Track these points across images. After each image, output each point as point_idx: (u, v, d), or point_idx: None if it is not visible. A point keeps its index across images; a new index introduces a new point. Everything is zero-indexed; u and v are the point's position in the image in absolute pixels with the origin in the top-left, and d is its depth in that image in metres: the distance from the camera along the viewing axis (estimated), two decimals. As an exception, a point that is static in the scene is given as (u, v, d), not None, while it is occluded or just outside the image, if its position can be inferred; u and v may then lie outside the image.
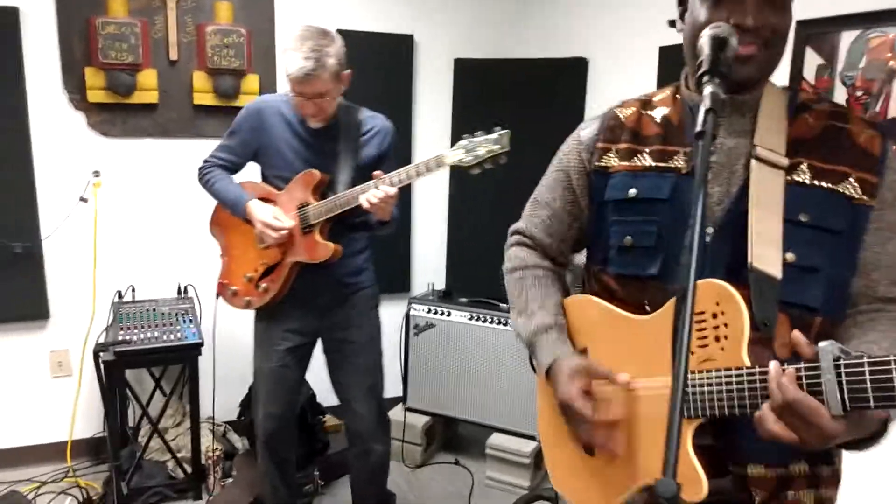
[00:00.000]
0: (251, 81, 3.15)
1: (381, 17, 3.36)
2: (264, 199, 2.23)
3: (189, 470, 2.89)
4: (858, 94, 2.11)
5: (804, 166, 1.03)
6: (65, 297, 3.06)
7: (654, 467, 1.02)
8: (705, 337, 0.98)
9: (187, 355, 2.73)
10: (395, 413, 3.15)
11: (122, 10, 2.89)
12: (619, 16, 3.16)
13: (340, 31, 2.16)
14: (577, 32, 3.43)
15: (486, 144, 1.94)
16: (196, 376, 2.76)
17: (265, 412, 2.38)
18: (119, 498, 2.63)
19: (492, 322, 3.06)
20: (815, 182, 1.01)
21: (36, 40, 2.84)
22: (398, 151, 2.33)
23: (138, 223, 3.13)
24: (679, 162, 1.11)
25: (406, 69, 3.48)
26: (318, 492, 2.95)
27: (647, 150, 1.15)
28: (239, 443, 3.21)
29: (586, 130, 1.25)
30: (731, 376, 0.94)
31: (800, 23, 2.21)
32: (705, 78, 0.90)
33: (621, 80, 3.15)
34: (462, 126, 3.53)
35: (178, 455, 2.91)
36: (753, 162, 1.03)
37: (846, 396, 0.83)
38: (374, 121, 2.26)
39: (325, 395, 2.97)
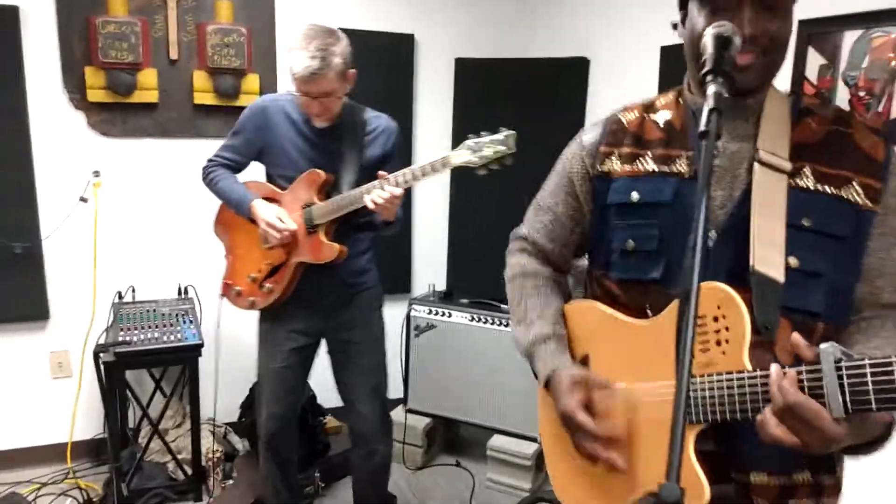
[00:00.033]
0: (252, 81, 3.14)
1: (381, 17, 3.35)
2: (269, 199, 2.22)
3: (189, 471, 2.88)
4: (861, 94, 2.09)
5: (807, 171, 1.02)
6: (65, 298, 3.05)
7: (656, 475, 1.01)
8: (707, 341, 0.97)
9: (187, 356, 2.72)
10: (396, 414, 3.14)
11: (122, 9, 2.89)
12: (620, 15, 3.16)
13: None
14: (579, 32, 3.42)
15: (493, 145, 1.93)
16: (196, 377, 2.75)
17: (268, 413, 2.37)
18: (119, 499, 2.62)
19: (493, 323, 3.05)
20: (819, 187, 1.01)
21: (36, 39, 2.84)
22: (399, 151, 2.32)
23: (138, 223, 3.12)
24: (682, 166, 1.10)
25: (406, 69, 3.47)
26: (319, 493, 2.94)
27: (650, 153, 1.14)
28: (240, 444, 3.20)
29: (589, 135, 1.24)
30: (732, 380, 0.94)
31: (802, 22, 2.20)
32: (709, 77, 0.89)
33: (622, 79, 3.14)
34: (463, 126, 3.54)
35: (179, 456, 2.90)
36: (756, 165, 1.02)
37: (847, 399, 0.82)
38: (378, 121, 2.25)
39: (326, 396, 2.97)
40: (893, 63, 2.01)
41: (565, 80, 3.38)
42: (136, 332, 2.69)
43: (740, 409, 0.93)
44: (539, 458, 3.00)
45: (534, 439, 2.99)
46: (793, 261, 0.98)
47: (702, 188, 0.80)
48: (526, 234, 1.34)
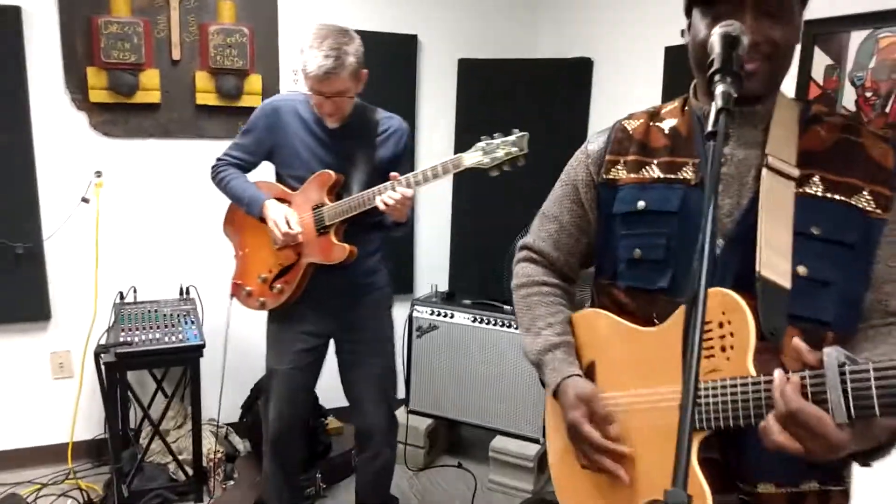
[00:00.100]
0: (254, 81, 3.13)
1: (385, 17, 3.34)
2: (279, 200, 2.22)
3: (190, 472, 2.87)
4: (868, 94, 2.08)
5: (816, 179, 1.01)
6: (66, 298, 3.05)
7: (660, 482, 1.00)
8: (711, 347, 0.96)
9: (189, 357, 2.72)
10: (398, 415, 3.12)
11: (124, 9, 2.88)
12: (624, 16, 3.14)
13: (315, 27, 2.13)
14: (582, 32, 3.41)
15: (505, 147, 1.92)
16: (198, 378, 2.74)
17: (276, 413, 2.36)
18: (120, 500, 2.62)
19: (495, 324, 3.04)
20: (828, 195, 1.00)
21: (38, 40, 2.84)
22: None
23: (140, 224, 3.12)
24: (688, 173, 1.09)
25: (410, 69, 3.46)
26: (320, 494, 2.93)
27: (656, 161, 1.13)
28: (241, 445, 3.20)
29: (594, 143, 1.23)
30: (735, 386, 0.92)
31: (808, 23, 2.17)
32: (717, 77, 0.88)
33: (626, 80, 3.13)
34: (466, 127, 3.54)
35: (180, 457, 2.90)
36: (765, 171, 1.01)
37: (851, 404, 0.81)
38: (390, 121, 2.24)
39: (328, 396, 2.96)
40: (900, 64, 2.00)
41: (569, 80, 3.37)
42: (137, 332, 2.68)
43: (744, 416, 0.91)
44: (541, 459, 2.99)
45: (536, 441, 2.98)
46: (802, 269, 0.97)
47: (710, 189, 0.79)
48: (532, 243, 1.33)
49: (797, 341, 0.87)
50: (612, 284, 1.17)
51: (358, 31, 2.10)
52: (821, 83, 2.21)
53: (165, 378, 3.14)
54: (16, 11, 2.74)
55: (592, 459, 1.09)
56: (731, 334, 0.94)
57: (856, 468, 1.00)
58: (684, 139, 1.12)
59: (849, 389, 0.81)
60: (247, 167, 2.30)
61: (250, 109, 3.10)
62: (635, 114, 1.22)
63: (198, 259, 3.17)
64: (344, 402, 2.50)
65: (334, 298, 2.28)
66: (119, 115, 3.00)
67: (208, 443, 2.95)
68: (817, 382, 0.84)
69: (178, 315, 2.87)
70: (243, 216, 2.29)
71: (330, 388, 2.55)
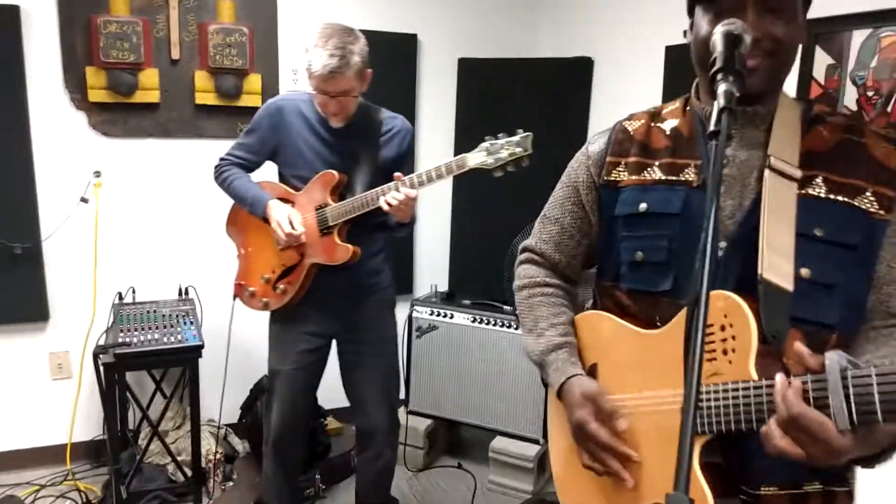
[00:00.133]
0: (253, 81, 3.13)
1: (384, 17, 3.33)
2: (283, 200, 2.21)
3: (189, 473, 2.86)
4: (869, 94, 2.07)
5: (819, 180, 1.00)
6: (65, 299, 3.04)
7: (662, 485, 0.99)
8: (713, 350, 0.95)
9: (188, 357, 2.70)
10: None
11: (123, 8, 2.88)
12: (624, 15, 3.13)
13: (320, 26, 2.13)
14: (582, 32, 3.40)
15: (509, 147, 1.92)
16: (196, 379, 2.72)
17: (279, 414, 2.35)
18: (118, 501, 2.60)
19: (495, 324, 3.03)
20: (831, 196, 0.99)
21: (37, 39, 2.83)
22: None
23: (139, 224, 3.11)
24: (690, 175, 1.08)
25: (410, 69, 3.45)
26: (320, 495, 2.92)
27: (657, 163, 1.12)
28: (240, 446, 3.19)
29: (594, 145, 1.22)
30: (737, 390, 0.91)
31: (809, 22, 2.15)
32: (719, 76, 0.87)
33: (627, 79, 3.12)
34: (466, 126, 3.53)
35: (179, 458, 2.89)
36: (767, 172, 1.00)
37: (853, 410, 0.79)
38: (394, 121, 2.24)
39: (327, 397, 2.95)
40: (902, 63, 1.99)
41: (569, 80, 3.36)
42: (136, 333, 2.67)
43: (745, 420, 0.91)
44: (541, 460, 2.98)
45: (536, 441, 2.97)
46: (805, 271, 0.96)
47: (712, 190, 0.78)
48: (533, 245, 1.33)
49: (798, 345, 0.86)
50: (615, 286, 1.17)
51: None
52: (822, 83, 2.20)
53: (164, 379, 3.14)
54: (14, 11, 2.74)
55: (598, 458, 1.08)
56: (733, 337, 0.93)
57: (860, 468, 0.99)
58: (686, 140, 1.11)
59: (851, 395, 0.80)
60: (250, 167, 2.29)
61: (250, 109, 3.14)
62: (636, 114, 1.21)
63: (197, 259, 3.16)
64: (343, 403, 2.49)
65: (338, 299, 2.27)
66: (118, 115, 2.99)
67: (207, 443, 2.94)
68: (819, 387, 0.83)
69: (177, 315, 2.86)
70: (246, 216, 2.28)
71: (329, 389, 2.54)
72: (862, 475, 1.02)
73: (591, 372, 1.19)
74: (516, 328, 2.95)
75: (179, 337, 2.68)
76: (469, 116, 3.52)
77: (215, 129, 3.13)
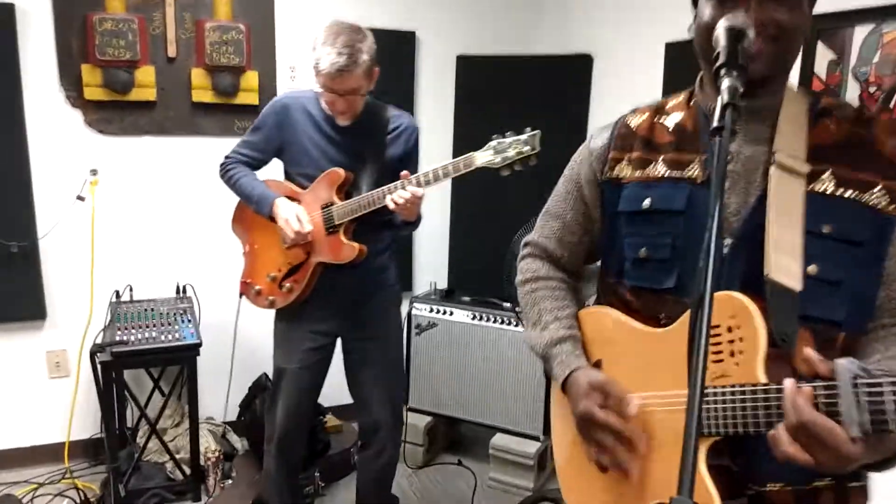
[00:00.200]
0: (250, 78, 3.11)
1: (383, 14, 3.31)
2: (289, 198, 2.20)
3: (188, 471, 2.86)
4: (872, 90, 2.06)
5: (827, 175, 0.98)
6: (62, 297, 3.02)
7: (667, 485, 0.98)
8: (720, 352, 0.93)
9: (185, 356, 2.70)
10: (397, 414, 3.12)
11: (119, 6, 2.86)
12: (624, 12, 3.12)
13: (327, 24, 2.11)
14: (582, 28, 3.39)
15: (517, 145, 1.90)
16: (194, 377, 2.72)
17: (284, 414, 2.34)
18: (117, 500, 2.60)
19: (495, 321, 3.02)
20: (839, 192, 0.97)
21: (32, 37, 2.80)
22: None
23: (136, 222, 3.09)
24: (694, 171, 1.06)
25: (408, 66, 3.44)
26: (319, 493, 2.92)
27: (661, 158, 1.10)
28: (238, 443, 3.18)
29: (597, 140, 1.21)
30: (745, 393, 0.90)
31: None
32: (723, 71, 0.85)
33: (627, 76, 3.11)
34: (465, 123, 3.52)
35: (177, 456, 2.88)
36: (773, 169, 0.98)
37: (865, 418, 0.78)
38: (400, 119, 2.23)
39: (325, 394, 2.94)
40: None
41: (569, 77, 3.35)
42: (133, 331, 2.66)
43: (753, 424, 0.89)
44: (541, 457, 2.98)
45: (536, 438, 2.97)
46: (812, 269, 0.94)
47: (716, 186, 0.77)
48: (535, 240, 1.32)
49: (808, 351, 0.85)
50: (618, 283, 1.15)
51: (355, 28, 2.08)
52: (823, 78, 2.19)
53: (162, 376, 3.13)
54: (9, 9, 2.72)
55: (607, 448, 1.05)
56: (741, 339, 0.92)
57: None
58: (690, 134, 1.09)
59: (862, 402, 0.78)
60: (256, 165, 2.28)
61: (247, 107, 3.13)
62: (639, 108, 1.19)
63: (194, 257, 3.15)
64: (342, 400, 2.49)
65: (344, 297, 2.27)
66: (114, 113, 2.97)
67: (206, 441, 2.93)
68: (830, 394, 0.81)
69: (175, 314, 2.85)
70: (252, 214, 2.27)
71: (328, 386, 2.52)
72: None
73: (596, 368, 1.17)
74: (516, 325, 2.94)
75: (177, 335, 2.67)
76: (468, 114, 3.50)
77: (212, 127, 3.11)
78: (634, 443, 1.03)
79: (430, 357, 3.17)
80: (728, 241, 1.00)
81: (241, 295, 2.39)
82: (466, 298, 3.19)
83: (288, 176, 2.28)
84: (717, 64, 0.86)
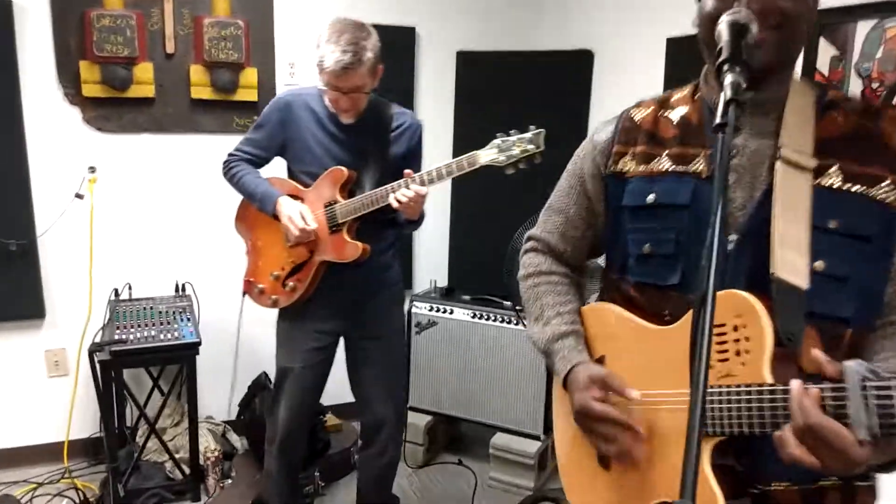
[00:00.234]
0: (249, 75, 3.09)
1: (382, 9, 3.29)
2: (292, 196, 2.18)
3: (187, 471, 2.84)
4: (874, 85, 2.04)
5: (834, 169, 0.96)
6: (61, 296, 3.01)
7: (671, 484, 0.97)
8: (725, 351, 0.92)
9: (184, 355, 2.69)
10: (397, 412, 3.11)
11: (117, 1, 2.84)
12: (625, 7, 3.10)
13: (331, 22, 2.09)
14: (583, 24, 3.37)
15: (521, 144, 1.89)
16: (194, 376, 2.71)
17: (287, 413, 2.32)
18: (116, 499, 2.59)
19: (495, 320, 3.01)
20: (847, 186, 0.95)
21: (30, 34, 2.79)
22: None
23: (135, 220, 3.08)
24: (699, 165, 1.05)
25: (408, 62, 3.42)
26: (319, 493, 2.90)
27: (666, 152, 1.09)
28: (238, 443, 3.17)
29: (601, 134, 1.19)
30: (751, 393, 0.89)
31: (813, 13, 2.14)
32: (725, 66, 0.84)
33: (628, 72, 3.09)
34: (465, 120, 3.50)
35: (177, 456, 2.87)
36: (778, 164, 0.96)
37: (874, 421, 0.77)
38: (404, 117, 2.21)
39: (325, 393, 2.93)
40: (908, 54, 1.96)
41: (569, 73, 3.33)
42: (132, 329, 2.65)
43: (759, 425, 0.88)
44: (542, 456, 2.97)
45: (537, 437, 2.96)
46: (819, 265, 0.93)
47: (718, 187, 0.75)
48: (538, 234, 1.30)
49: (816, 352, 0.83)
50: (622, 279, 1.14)
51: (354, 24, 2.06)
52: (826, 74, 2.17)
53: (162, 375, 3.11)
54: (7, 5, 2.70)
55: (608, 437, 1.04)
56: (747, 339, 0.90)
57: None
58: (695, 128, 1.07)
59: (871, 405, 0.77)
60: (259, 163, 2.27)
61: (246, 103, 3.12)
62: (644, 101, 1.18)
63: (194, 255, 3.14)
64: (341, 399, 2.48)
65: (347, 296, 2.25)
66: (113, 110, 2.96)
67: (205, 441, 2.92)
68: (837, 396, 0.80)
69: (174, 312, 2.83)
70: (255, 213, 2.25)
71: (327, 384, 2.52)
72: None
73: (599, 364, 1.16)
74: (516, 324, 2.93)
75: (176, 334, 2.66)
76: (468, 110, 3.49)
77: (211, 124, 3.10)
78: (635, 430, 1.02)
79: (430, 356, 3.16)
80: (733, 238, 0.99)
81: (244, 294, 2.37)
82: (466, 297, 3.17)
83: (291, 173, 2.27)
84: (720, 60, 0.85)
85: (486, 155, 1.92)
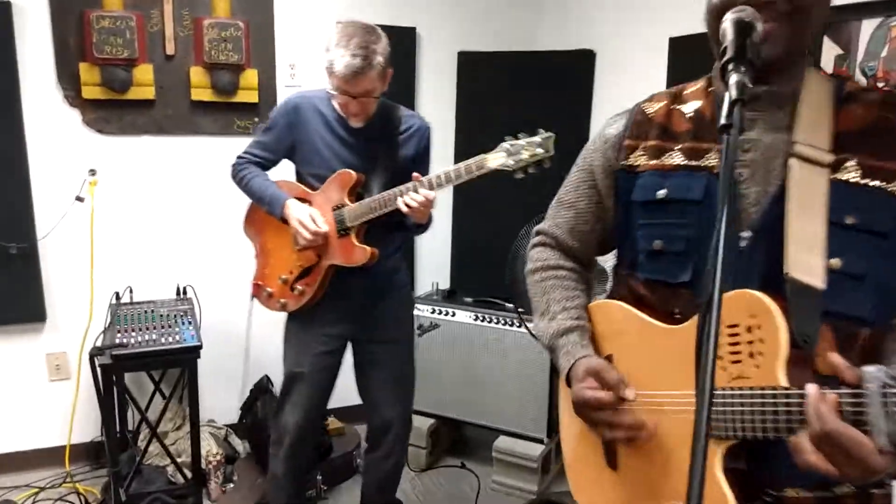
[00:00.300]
0: (250, 76, 3.08)
1: (382, 10, 3.28)
2: (300, 200, 2.17)
3: (189, 475, 2.82)
4: (880, 85, 2.02)
5: (852, 163, 0.93)
6: (62, 299, 3.00)
7: (680, 487, 0.95)
8: (738, 353, 0.90)
9: (186, 358, 2.66)
10: (400, 415, 3.09)
11: (117, 3, 2.83)
12: (627, 7, 3.09)
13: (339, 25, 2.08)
14: (584, 24, 3.35)
15: (531, 148, 1.87)
16: (195, 379, 2.68)
17: (297, 418, 2.31)
18: (117, 504, 2.58)
19: (497, 322, 2.99)
20: (865, 181, 0.92)
21: (29, 35, 2.78)
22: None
23: (136, 222, 3.07)
24: (712, 160, 1.02)
25: (409, 63, 3.40)
26: (321, 496, 2.89)
27: (678, 147, 1.06)
28: (240, 446, 3.15)
29: (612, 127, 1.17)
30: (765, 396, 0.86)
31: (817, 11, 2.12)
32: (731, 66, 0.82)
33: (630, 72, 3.08)
34: (466, 120, 3.48)
35: (179, 459, 2.85)
36: (792, 160, 0.94)
37: (894, 429, 0.75)
38: (412, 119, 2.20)
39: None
40: (913, 53, 1.94)
41: (571, 73, 3.32)
42: (133, 333, 2.63)
43: (773, 429, 0.86)
44: (545, 459, 2.95)
45: (540, 441, 2.94)
46: (835, 262, 0.90)
47: (723, 189, 0.73)
48: (547, 229, 1.28)
49: (833, 356, 0.81)
50: (631, 275, 1.12)
51: (354, 24, 2.05)
52: (830, 73, 2.15)
53: (163, 379, 3.10)
54: (6, 7, 2.69)
55: (607, 422, 1.02)
56: (761, 340, 0.88)
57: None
58: (709, 122, 1.05)
59: (892, 412, 0.75)
60: (267, 165, 2.26)
61: (246, 105, 3.11)
62: (657, 95, 1.16)
63: (195, 258, 3.13)
64: (344, 402, 2.46)
65: (356, 300, 2.24)
66: (113, 112, 2.95)
67: (207, 445, 2.91)
68: (856, 402, 0.77)
69: (175, 315, 2.82)
70: (264, 216, 2.24)
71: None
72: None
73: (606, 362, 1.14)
74: (519, 326, 2.91)
75: (177, 337, 2.64)
76: (469, 111, 3.47)
77: (211, 126, 3.09)
78: (630, 410, 1.00)
79: (432, 358, 3.14)
80: (746, 234, 0.96)
81: (252, 297, 2.36)
82: (469, 299, 3.16)
83: (299, 176, 2.26)
84: (725, 59, 0.83)
85: (495, 159, 1.90)
